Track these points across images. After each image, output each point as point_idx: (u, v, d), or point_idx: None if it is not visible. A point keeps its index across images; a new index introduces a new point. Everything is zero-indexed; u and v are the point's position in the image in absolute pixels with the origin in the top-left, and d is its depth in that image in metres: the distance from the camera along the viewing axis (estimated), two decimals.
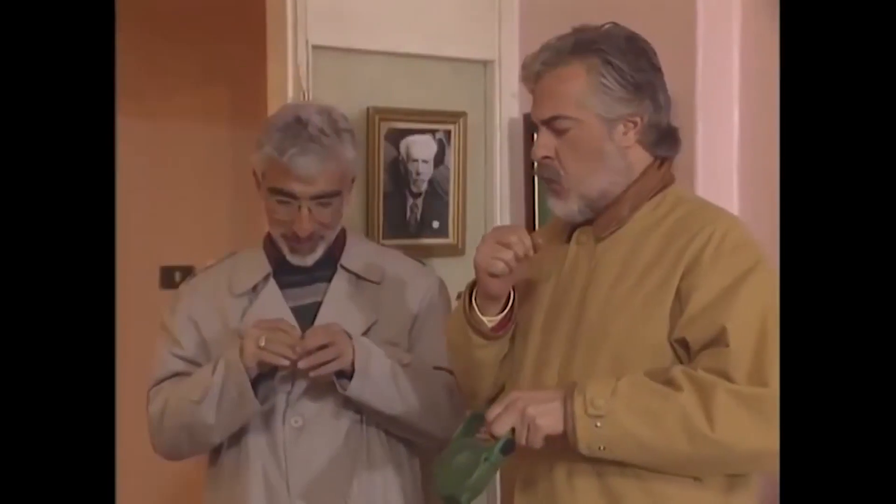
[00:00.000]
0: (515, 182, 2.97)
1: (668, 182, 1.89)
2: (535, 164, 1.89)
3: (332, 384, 2.13)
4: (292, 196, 2.13)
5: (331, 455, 2.16)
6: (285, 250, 2.20)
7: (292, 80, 2.70)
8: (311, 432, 2.16)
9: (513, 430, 1.70)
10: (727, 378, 1.66)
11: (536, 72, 1.87)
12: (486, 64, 2.99)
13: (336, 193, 2.16)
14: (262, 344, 2.05)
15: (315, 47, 2.72)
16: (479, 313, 1.88)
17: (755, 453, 1.66)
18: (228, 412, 2.10)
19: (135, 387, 2.49)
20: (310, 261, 2.21)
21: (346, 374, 2.11)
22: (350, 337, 2.11)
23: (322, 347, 2.06)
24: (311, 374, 2.09)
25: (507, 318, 1.89)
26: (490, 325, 1.88)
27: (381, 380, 2.12)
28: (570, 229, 1.92)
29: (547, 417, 1.69)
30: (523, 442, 1.70)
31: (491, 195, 3.02)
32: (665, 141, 1.88)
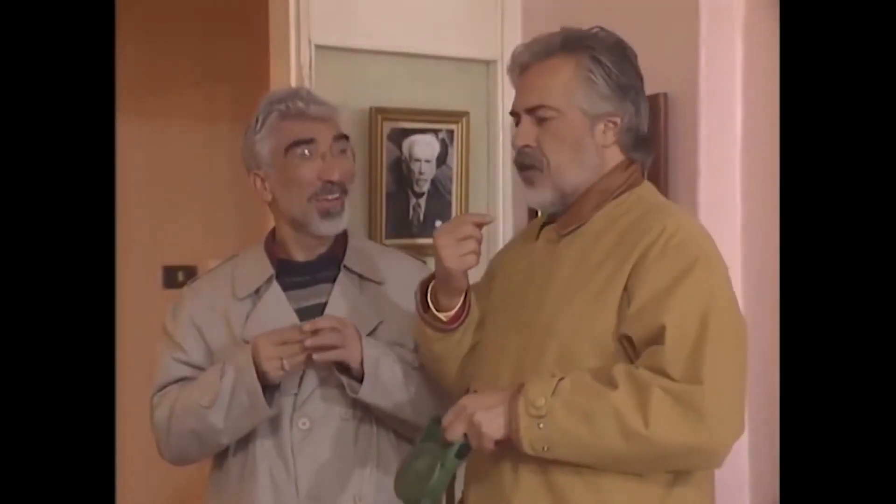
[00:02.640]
0: (518, 181, 2.95)
1: (634, 183, 1.91)
2: (517, 151, 1.91)
3: (341, 386, 2.13)
4: (313, 142, 2.16)
5: (339, 456, 2.15)
6: (315, 220, 2.18)
7: (295, 79, 2.70)
8: (318, 434, 2.16)
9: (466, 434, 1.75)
10: (665, 375, 1.67)
11: (524, 62, 1.91)
12: (488, 63, 2.99)
13: (348, 139, 2.22)
14: (287, 368, 2.06)
15: (318, 47, 2.73)
16: (434, 310, 1.96)
17: (689, 449, 1.68)
18: (238, 417, 2.10)
19: (138, 386, 2.49)
20: (340, 226, 2.20)
21: (356, 377, 2.11)
22: (360, 335, 2.11)
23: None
24: (315, 356, 2.07)
25: (462, 310, 1.95)
26: (446, 318, 1.95)
27: (392, 384, 2.12)
28: (538, 228, 1.97)
29: (492, 424, 1.73)
30: (475, 447, 1.75)
31: (494, 195, 3.02)
32: (641, 146, 1.92)
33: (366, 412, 2.17)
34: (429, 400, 2.15)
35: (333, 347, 2.07)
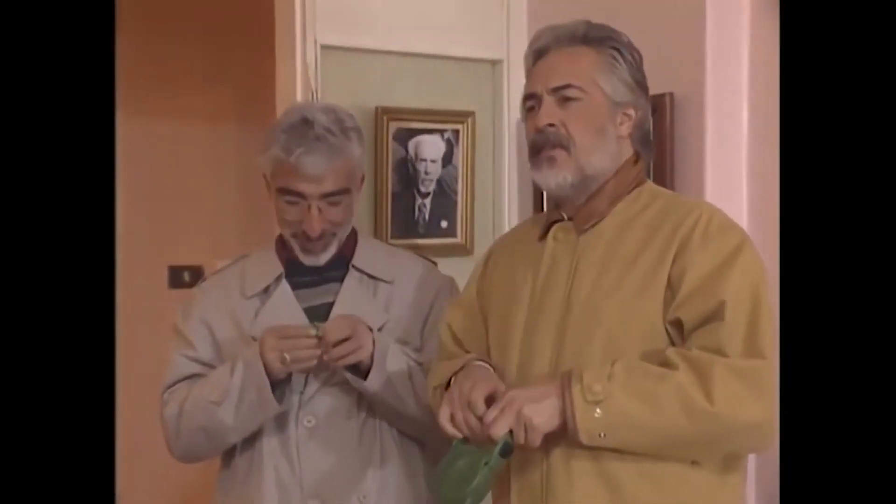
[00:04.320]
0: (524, 181, 2.96)
1: (641, 180, 1.94)
2: (536, 132, 1.87)
3: (346, 383, 2.14)
4: (301, 196, 2.12)
5: (343, 454, 2.16)
6: (297, 251, 2.20)
7: (301, 79, 2.70)
8: (323, 432, 2.16)
9: (511, 431, 1.70)
10: (721, 353, 1.68)
11: (543, 47, 1.91)
12: (494, 63, 2.98)
13: (345, 191, 2.16)
14: (288, 361, 2.06)
15: (324, 47, 2.73)
16: None
17: (752, 425, 1.68)
18: (247, 413, 2.10)
19: (143, 386, 2.49)
20: (323, 259, 2.20)
21: (362, 371, 2.11)
22: (370, 329, 2.11)
23: (343, 340, 2.06)
24: (332, 365, 2.08)
25: None
26: None
27: (397, 376, 2.12)
28: (544, 227, 1.94)
29: (543, 415, 1.69)
30: (522, 443, 1.71)
31: (499, 195, 3.01)
32: (646, 143, 1.94)
33: (370, 411, 2.18)
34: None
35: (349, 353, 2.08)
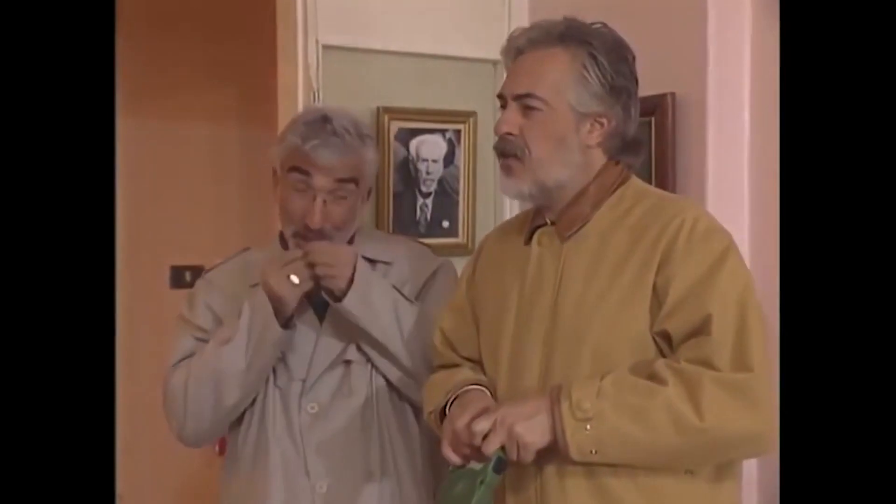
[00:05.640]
0: None
1: (625, 178, 1.89)
2: (499, 138, 1.86)
3: (346, 365, 2.19)
4: (309, 178, 2.15)
5: (347, 435, 2.19)
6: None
7: (302, 80, 2.71)
8: (326, 417, 2.19)
9: (503, 447, 1.70)
10: (710, 366, 1.66)
11: (519, 47, 1.87)
12: (495, 63, 2.98)
13: (352, 181, 2.19)
14: (297, 282, 2.11)
15: (325, 47, 2.73)
16: None
17: (743, 437, 1.67)
18: (256, 347, 2.12)
19: (144, 385, 2.49)
20: None
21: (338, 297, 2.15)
22: (354, 263, 2.15)
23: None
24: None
25: None
26: None
27: (381, 305, 2.15)
28: (528, 232, 1.92)
29: (534, 433, 1.69)
30: (514, 459, 1.70)
31: (500, 195, 3.00)
32: (628, 151, 1.89)
33: (370, 399, 2.20)
34: (417, 337, 2.16)
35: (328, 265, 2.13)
